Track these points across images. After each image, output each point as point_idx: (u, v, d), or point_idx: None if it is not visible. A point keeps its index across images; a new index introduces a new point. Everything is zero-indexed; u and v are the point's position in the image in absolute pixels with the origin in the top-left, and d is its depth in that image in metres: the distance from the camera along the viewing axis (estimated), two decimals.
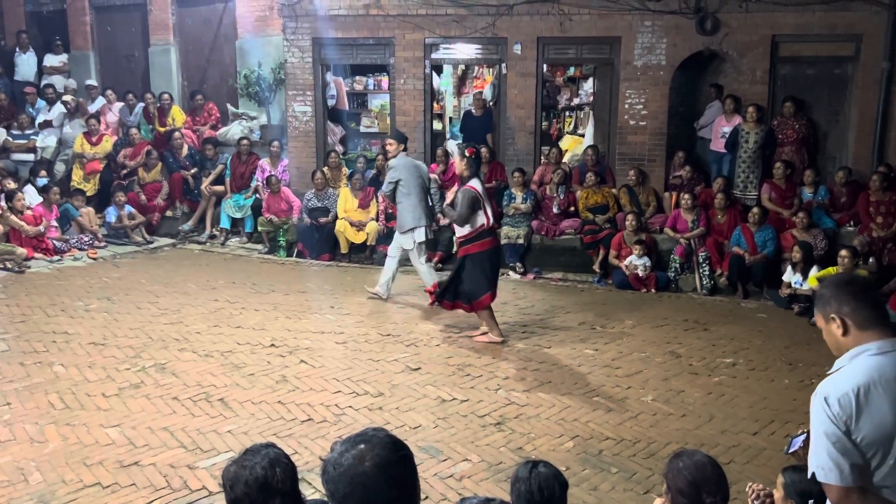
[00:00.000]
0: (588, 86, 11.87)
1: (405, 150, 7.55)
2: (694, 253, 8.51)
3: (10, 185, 9.53)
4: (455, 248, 6.46)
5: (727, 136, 9.19)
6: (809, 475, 2.17)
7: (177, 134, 10.71)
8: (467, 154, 6.35)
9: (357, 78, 11.91)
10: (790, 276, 7.79)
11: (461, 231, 6.35)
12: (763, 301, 8.04)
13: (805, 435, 2.46)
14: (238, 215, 10.30)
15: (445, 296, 6.43)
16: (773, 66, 9.36)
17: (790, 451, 2.58)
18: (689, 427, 4.84)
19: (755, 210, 8.38)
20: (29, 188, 9.80)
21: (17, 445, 4.37)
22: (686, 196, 8.78)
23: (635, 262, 8.41)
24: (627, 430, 4.77)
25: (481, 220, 6.24)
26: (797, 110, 9.18)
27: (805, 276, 7.61)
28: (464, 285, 6.30)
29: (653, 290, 8.33)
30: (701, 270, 8.40)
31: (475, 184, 6.26)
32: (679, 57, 9.44)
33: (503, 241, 9.13)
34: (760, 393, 5.43)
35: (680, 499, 2.55)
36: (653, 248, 8.69)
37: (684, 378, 5.68)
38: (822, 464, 2.11)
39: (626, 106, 9.65)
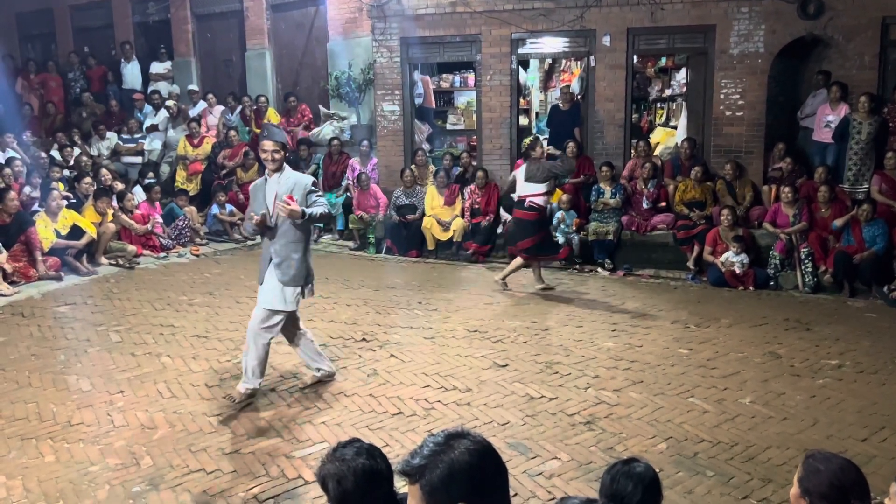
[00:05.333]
0: (680, 76, 11.50)
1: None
2: (795, 249, 8.11)
3: (119, 186, 10.16)
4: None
5: (832, 125, 8.70)
6: None
7: None
8: None
9: (443, 76, 12.00)
10: None
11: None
12: (872, 300, 7.57)
13: None
14: None
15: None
16: (882, 51, 8.80)
17: None
18: (790, 431, 4.62)
19: (865, 206, 7.88)
20: (137, 189, 10.42)
21: (129, 431, 4.66)
22: (786, 189, 8.38)
23: (732, 258, 8.09)
24: (724, 432, 4.60)
25: None
26: None
27: None
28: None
29: (751, 288, 8.00)
30: (803, 267, 8.00)
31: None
32: (779, 44, 9.01)
33: (591, 238, 8.99)
34: (869, 397, 5.12)
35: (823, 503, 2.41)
36: (751, 243, 8.35)
37: (785, 380, 5.42)
38: None
39: (722, 96, 9.31)
